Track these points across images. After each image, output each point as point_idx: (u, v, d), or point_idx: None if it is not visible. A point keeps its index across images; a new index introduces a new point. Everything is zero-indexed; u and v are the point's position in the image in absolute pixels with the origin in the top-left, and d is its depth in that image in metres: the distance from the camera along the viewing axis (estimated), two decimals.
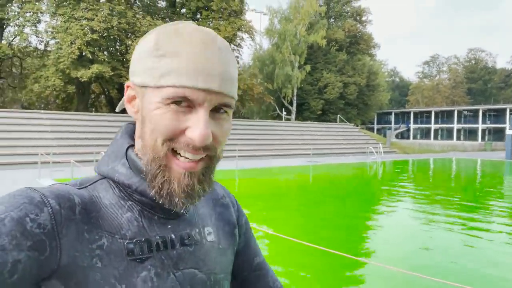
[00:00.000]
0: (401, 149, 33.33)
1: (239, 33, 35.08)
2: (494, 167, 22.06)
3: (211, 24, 33.09)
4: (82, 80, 25.10)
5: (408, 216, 8.47)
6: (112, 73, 26.63)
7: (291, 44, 41.02)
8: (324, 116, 44.30)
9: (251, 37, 35.64)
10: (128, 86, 0.62)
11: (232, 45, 35.95)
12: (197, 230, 0.67)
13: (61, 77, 26.08)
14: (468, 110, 60.88)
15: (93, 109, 33.46)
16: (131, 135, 0.66)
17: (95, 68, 24.61)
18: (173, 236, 0.62)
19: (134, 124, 0.66)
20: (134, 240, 0.58)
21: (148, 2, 32.15)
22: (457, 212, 8.77)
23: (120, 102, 0.67)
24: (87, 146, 18.00)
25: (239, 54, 37.60)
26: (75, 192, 0.57)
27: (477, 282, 4.55)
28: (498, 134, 51.60)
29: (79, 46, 24.15)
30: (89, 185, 0.61)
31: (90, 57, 25.00)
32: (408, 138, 63.94)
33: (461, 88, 77.23)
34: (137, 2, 31.00)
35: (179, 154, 0.57)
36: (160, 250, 0.60)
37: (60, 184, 0.58)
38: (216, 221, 0.73)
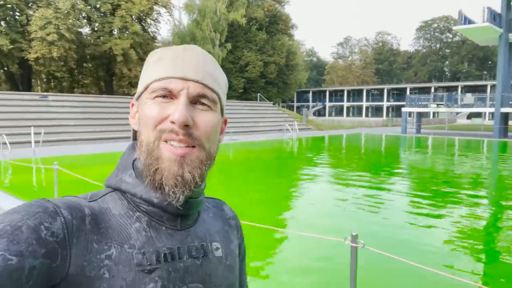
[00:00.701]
0: (316, 126, 35.62)
1: (156, 7, 33.66)
2: (388, 140, 24.88)
3: None
4: None
5: (313, 184, 9.45)
6: (11, 46, 24.00)
7: (211, 21, 40.51)
8: (246, 94, 45.06)
9: (168, 12, 34.48)
10: (132, 105, 0.70)
11: (149, 20, 34.45)
12: (205, 244, 0.68)
13: None
14: (375, 89, 66.53)
15: None
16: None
17: None
18: (181, 247, 0.63)
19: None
20: (143, 250, 0.59)
21: None
22: (351, 179, 10.00)
23: (132, 131, 0.73)
24: None
25: (157, 29, 36.24)
26: (85, 204, 0.60)
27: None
28: (399, 111, 57.73)
29: None
30: (99, 198, 0.64)
31: None
32: (324, 115, 68.21)
33: (370, 68, 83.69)
34: None
35: (167, 142, 0.61)
36: (168, 261, 0.61)
37: (71, 197, 0.61)
38: (223, 238, 0.74)
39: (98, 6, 31.09)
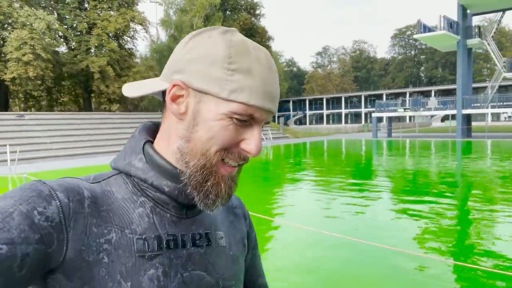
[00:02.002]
0: (293, 134, 36.64)
1: (132, 25, 34.41)
2: (354, 144, 25.97)
3: (100, 15, 31.92)
4: None
5: (280, 184, 10.25)
6: None
7: None
8: None
9: (144, 28, 35.27)
10: (174, 85, 0.59)
11: (126, 37, 35.17)
12: (209, 233, 0.67)
13: None
14: (353, 96, 68.29)
15: None
16: (149, 132, 0.67)
17: None
18: (184, 235, 0.62)
19: (153, 123, 0.70)
20: (144, 236, 0.58)
21: None
22: (301, 179, 10.84)
23: (136, 90, 0.63)
24: None
25: (134, 46, 36.91)
26: (85, 186, 0.58)
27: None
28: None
29: None
30: (102, 180, 0.62)
31: None
32: (305, 123, 69.53)
33: (348, 76, 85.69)
34: None
35: (224, 160, 0.60)
36: (170, 249, 0.60)
37: (71, 178, 0.58)
38: (228, 228, 0.73)
39: (74, 25, 31.74)
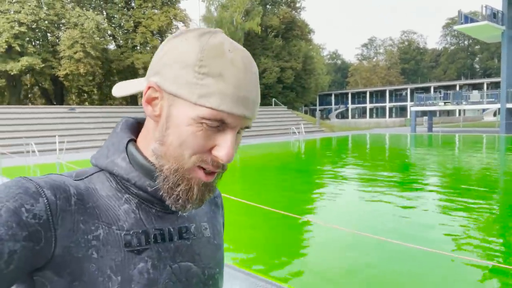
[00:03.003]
0: (329, 128, 36.49)
1: (174, 22, 36.06)
2: (389, 138, 25.47)
3: (145, 13, 33.78)
4: (12, 73, 25.21)
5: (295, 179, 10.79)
6: (43, 64, 26.88)
7: (228, 31, 42.50)
8: (264, 99, 46.63)
9: (186, 26, 36.73)
10: (150, 87, 0.59)
11: (169, 34, 36.86)
12: (194, 225, 0.68)
13: None
14: (399, 89, 66.03)
15: (28, 102, 33.22)
16: (131, 129, 0.67)
17: (24, 61, 24.86)
18: (171, 229, 0.63)
19: (134, 118, 0.70)
20: (132, 232, 0.58)
21: None
22: (339, 168, 11.21)
23: (122, 89, 0.66)
24: (18, 138, 18.76)
25: None
26: (71, 183, 0.57)
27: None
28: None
29: (7, 40, 24.21)
30: (85, 178, 0.61)
31: (19, 49, 25.11)
32: (347, 117, 68.45)
33: (395, 68, 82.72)
34: None
35: (201, 167, 0.59)
36: (158, 242, 0.60)
37: (56, 175, 0.58)
38: (210, 219, 0.75)
39: (121, 24, 33.89)
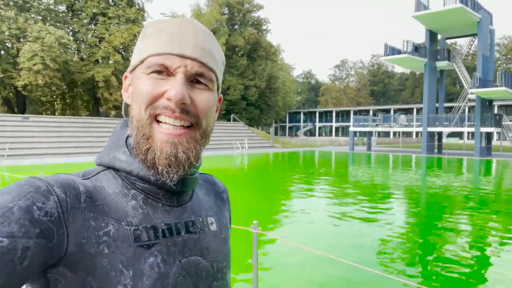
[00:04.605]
0: (282, 144, 38.62)
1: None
2: (326, 155, 27.68)
3: (109, 29, 35.56)
4: None
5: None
6: (3, 75, 28.22)
7: None
8: (228, 115, 48.67)
9: None
10: (125, 77, 0.66)
11: (131, 51, 38.65)
12: (201, 219, 0.69)
13: None
14: (362, 110, 69.23)
15: None
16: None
17: None
18: (178, 223, 0.64)
19: None
20: (141, 227, 0.59)
21: (44, 8, 33.67)
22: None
23: (124, 105, 0.71)
24: None
25: None
26: (80, 182, 0.59)
27: None
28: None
29: None
30: (91, 177, 0.62)
31: None
32: (315, 135, 71.10)
33: (365, 90, 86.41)
34: (32, 8, 32.44)
35: (162, 122, 0.59)
36: (166, 237, 0.61)
37: (64, 174, 0.59)
38: (217, 213, 0.77)
39: (85, 39, 35.57)
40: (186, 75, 0.60)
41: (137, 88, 0.61)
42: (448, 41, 52.68)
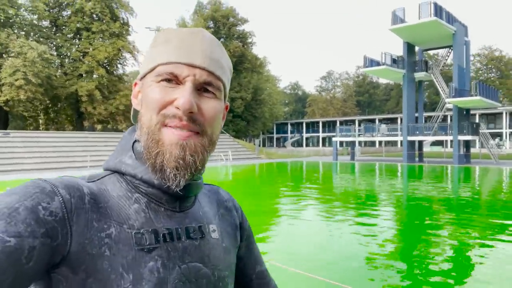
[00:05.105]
0: (268, 155, 38.84)
1: (124, 53, 38.02)
2: (310, 165, 27.97)
3: (93, 43, 35.66)
4: None
5: None
6: None
7: None
8: None
9: (133, 57, 38.80)
10: (135, 84, 0.69)
11: (116, 64, 38.79)
12: (202, 226, 0.69)
13: None
14: (348, 120, 70.10)
15: None
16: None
17: None
18: (179, 228, 0.64)
19: None
20: (142, 230, 0.60)
21: (27, 23, 33.68)
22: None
23: (132, 112, 0.73)
24: None
25: (124, 71, 40.41)
26: (84, 184, 0.60)
27: None
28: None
29: None
30: (97, 180, 0.64)
31: None
32: (302, 145, 71.61)
33: (351, 101, 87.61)
34: (15, 24, 32.42)
35: (170, 127, 0.61)
36: (167, 241, 0.62)
37: (69, 177, 0.61)
38: (219, 221, 0.76)
39: (68, 54, 35.59)
40: (194, 84, 0.62)
41: (147, 95, 0.64)
42: (431, 52, 54.03)
